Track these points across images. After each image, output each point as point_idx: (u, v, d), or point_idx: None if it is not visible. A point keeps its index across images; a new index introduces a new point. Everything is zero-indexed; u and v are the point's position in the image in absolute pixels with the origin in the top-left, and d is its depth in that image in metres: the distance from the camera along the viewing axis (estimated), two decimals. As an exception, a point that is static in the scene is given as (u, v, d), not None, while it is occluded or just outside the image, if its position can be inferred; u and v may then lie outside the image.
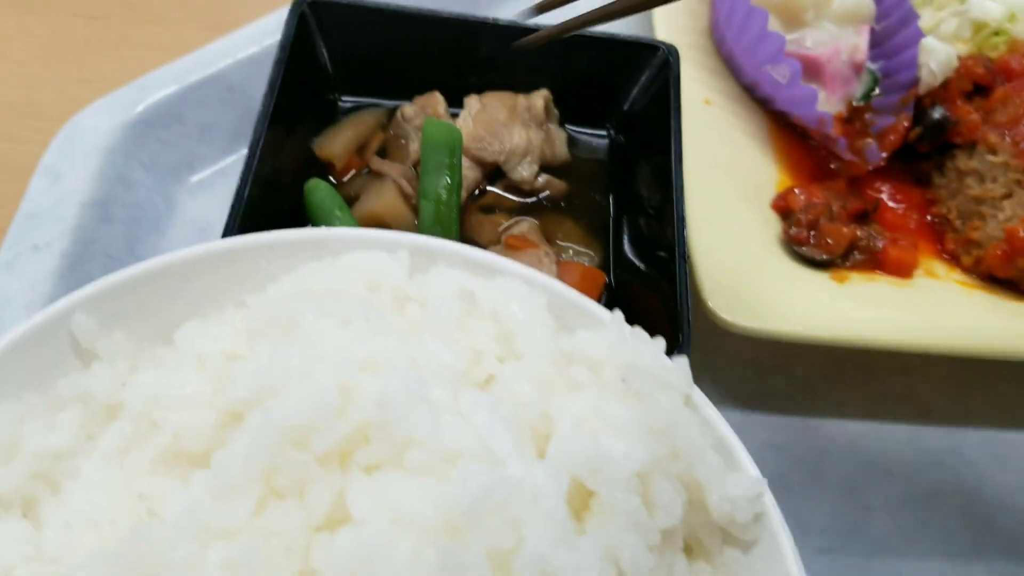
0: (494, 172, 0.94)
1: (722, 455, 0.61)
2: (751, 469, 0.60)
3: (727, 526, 0.59)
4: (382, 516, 0.48)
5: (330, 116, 0.97)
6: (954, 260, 1.00)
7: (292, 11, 0.91)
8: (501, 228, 0.93)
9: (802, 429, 0.92)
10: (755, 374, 0.95)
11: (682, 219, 0.83)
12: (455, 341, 0.59)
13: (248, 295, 0.64)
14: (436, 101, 0.94)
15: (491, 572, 0.46)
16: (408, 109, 0.95)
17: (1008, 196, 0.95)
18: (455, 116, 0.95)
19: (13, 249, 0.83)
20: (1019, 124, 0.96)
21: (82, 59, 1.08)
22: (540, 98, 0.95)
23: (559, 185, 0.95)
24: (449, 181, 0.84)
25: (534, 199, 0.95)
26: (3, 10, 1.10)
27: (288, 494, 0.50)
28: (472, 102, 0.94)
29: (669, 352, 0.63)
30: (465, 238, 0.90)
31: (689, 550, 0.61)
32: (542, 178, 0.93)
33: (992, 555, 0.88)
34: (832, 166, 1.04)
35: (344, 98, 0.99)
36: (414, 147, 0.92)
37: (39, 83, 1.07)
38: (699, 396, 0.63)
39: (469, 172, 0.90)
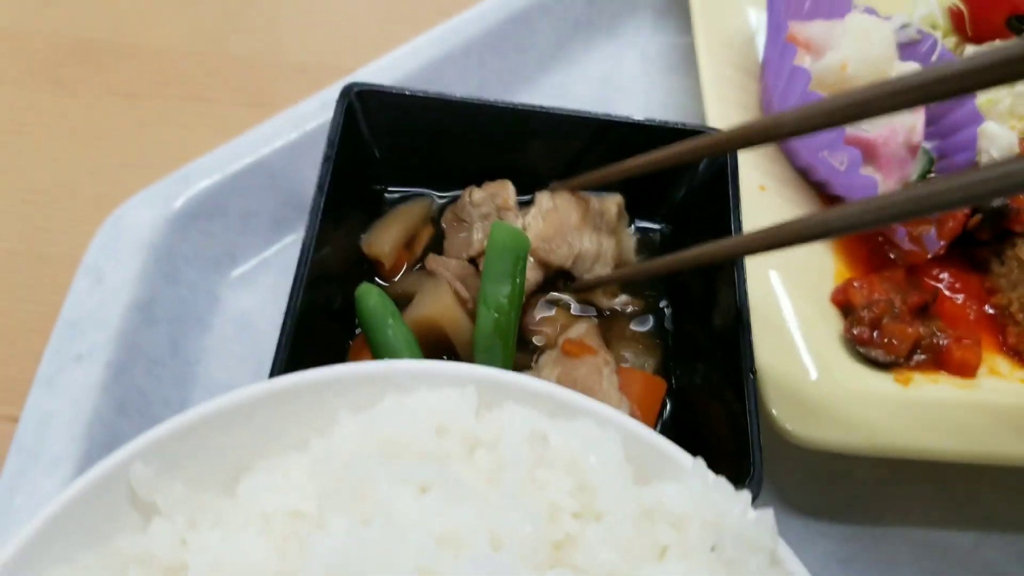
0: (556, 274, 0.91)
1: (811, 617, 0.58)
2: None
3: None
4: None
5: (377, 207, 0.94)
6: (1017, 356, 0.96)
7: (340, 101, 0.88)
8: (558, 330, 0.90)
9: (866, 540, 0.89)
10: (815, 481, 0.92)
11: (747, 327, 0.80)
12: (532, 499, 0.56)
13: (313, 437, 0.61)
14: (507, 190, 0.91)
15: None
16: (477, 194, 0.91)
17: (1074, 291, 0.92)
18: (523, 205, 0.92)
19: (54, 362, 0.80)
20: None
21: (121, 142, 1.06)
22: (614, 204, 0.92)
23: (637, 304, 0.92)
24: (511, 290, 0.81)
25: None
26: (37, 91, 1.08)
27: None
28: (543, 200, 0.90)
29: (738, 478, 0.61)
30: (520, 339, 0.87)
31: None
32: (622, 297, 0.90)
33: (1065, 673, 0.85)
34: (891, 255, 1.01)
35: (391, 188, 0.96)
36: (477, 237, 0.89)
37: (77, 169, 1.04)
38: (784, 550, 0.60)
39: (531, 273, 0.87)
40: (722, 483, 0.60)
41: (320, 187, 0.83)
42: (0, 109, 1.07)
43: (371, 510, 0.52)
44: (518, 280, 0.83)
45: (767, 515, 0.59)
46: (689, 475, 0.60)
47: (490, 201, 0.90)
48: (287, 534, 0.54)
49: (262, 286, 0.96)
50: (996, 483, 0.94)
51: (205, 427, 0.61)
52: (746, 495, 0.59)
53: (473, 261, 0.90)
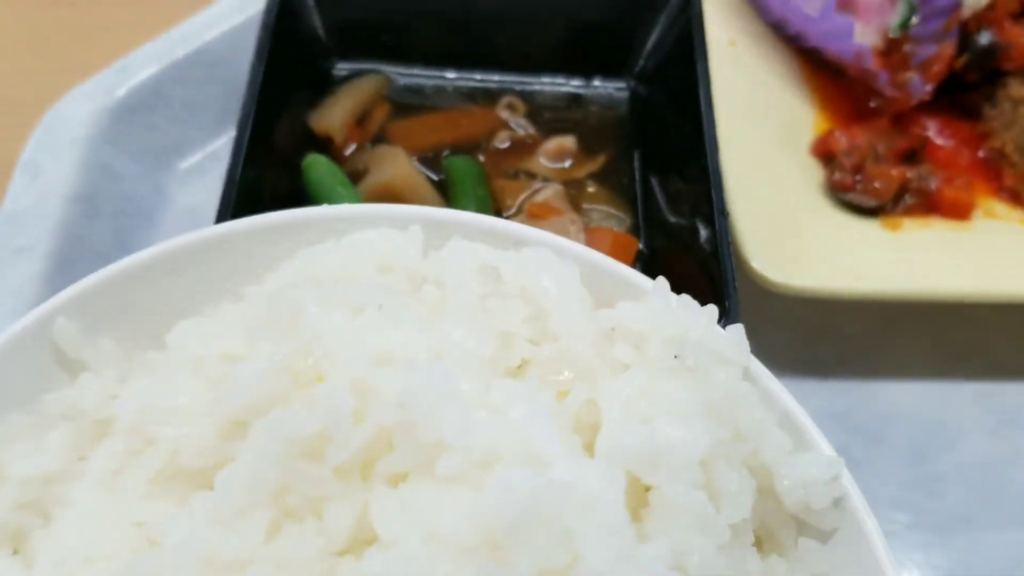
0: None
1: (790, 433, 0.54)
2: (824, 447, 0.54)
3: (801, 514, 0.53)
4: (413, 535, 0.41)
5: (326, 85, 0.89)
6: (1014, 198, 0.91)
7: (278, -29, 0.83)
8: (523, 196, 0.86)
9: (860, 394, 0.85)
10: (805, 337, 0.87)
11: (718, 172, 0.75)
12: (481, 324, 0.52)
13: (245, 287, 0.57)
14: None
15: (544, 595, 0.39)
16: None
17: (1070, 125, 0.87)
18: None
19: (-5, 255, 0.77)
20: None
21: (61, 47, 1.01)
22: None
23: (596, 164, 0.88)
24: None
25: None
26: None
27: (304, 515, 0.44)
28: None
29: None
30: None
31: (759, 543, 0.54)
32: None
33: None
34: (872, 104, 0.95)
35: (340, 65, 0.91)
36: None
37: (16, 74, 1.00)
38: (758, 367, 0.56)
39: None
40: (686, 300, 0.56)
41: (259, 58, 0.79)
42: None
43: (299, 334, 0.48)
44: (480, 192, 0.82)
45: (737, 330, 0.55)
46: (651, 295, 0.56)
47: None
48: (219, 376, 0.50)
49: (212, 180, 0.91)
50: (1002, 331, 0.89)
51: (133, 280, 0.57)
52: (712, 309, 0.55)
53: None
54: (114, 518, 0.48)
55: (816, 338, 0.88)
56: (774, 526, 0.53)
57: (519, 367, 0.53)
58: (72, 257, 0.80)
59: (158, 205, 0.89)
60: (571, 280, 0.56)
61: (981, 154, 0.95)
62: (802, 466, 0.52)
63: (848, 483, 0.53)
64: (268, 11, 0.81)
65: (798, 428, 0.54)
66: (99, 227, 0.83)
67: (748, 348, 0.55)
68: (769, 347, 0.87)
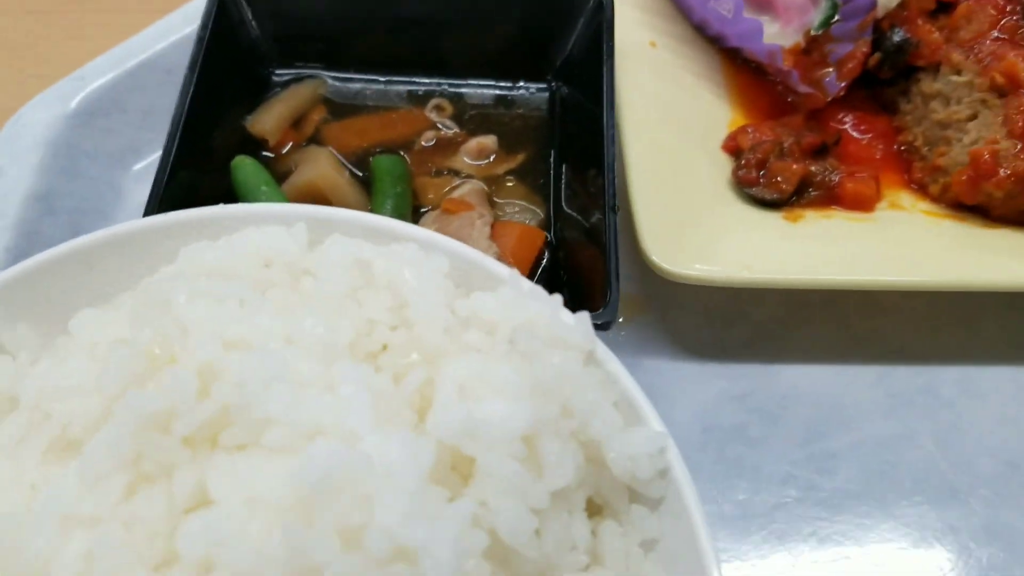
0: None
1: (626, 411, 0.59)
2: (654, 423, 0.59)
3: (631, 483, 0.58)
4: (237, 497, 0.47)
5: (264, 91, 0.96)
6: (922, 190, 0.94)
7: (215, -18, 0.89)
8: (445, 191, 0.92)
9: (762, 376, 0.89)
10: (713, 323, 0.92)
11: (611, 168, 0.80)
12: (343, 312, 0.58)
13: (143, 279, 0.64)
14: None
15: (341, 549, 0.45)
16: None
17: (973, 118, 0.89)
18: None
19: (-46, 248, 0.84)
20: (984, 40, 0.90)
21: (28, 54, 1.09)
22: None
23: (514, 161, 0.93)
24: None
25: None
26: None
27: (156, 479, 0.50)
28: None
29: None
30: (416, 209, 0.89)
31: (599, 510, 0.60)
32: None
33: (969, 498, 0.84)
34: (790, 100, 0.99)
35: (278, 71, 0.98)
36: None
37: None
38: (603, 352, 0.61)
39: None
40: (537, 290, 0.61)
41: (192, 66, 0.86)
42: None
43: (167, 322, 0.55)
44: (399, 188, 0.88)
45: (582, 318, 0.60)
46: (502, 286, 0.61)
47: None
48: (106, 359, 0.57)
49: (166, 179, 0.98)
50: (901, 318, 0.93)
51: (45, 274, 0.64)
52: (558, 298, 0.60)
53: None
54: (11, 480, 0.55)
55: (724, 324, 0.92)
56: (609, 495, 0.59)
57: (383, 350, 0.59)
58: (28, 251, 0.86)
59: (112, 203, 0.96)
60: (432, 271, 0.62)
61: (896, 148, 0.99)
62: (630, 440, 0.57)
63: (673, 456, 0.58)
64: (204, 23, 0.87)
65: (633, 406, 0.59)
66: (55, 223, 0.91)
67: (593, 333, 0.60)
68: (679, 331, 0.92)
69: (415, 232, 0.65)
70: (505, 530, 0.50)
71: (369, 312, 0.60)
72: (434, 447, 0.50)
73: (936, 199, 0.93)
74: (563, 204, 0.89)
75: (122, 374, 0.53)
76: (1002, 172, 0.83)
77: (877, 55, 0.97)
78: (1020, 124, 0.83)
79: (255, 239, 0.64)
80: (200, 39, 0.87)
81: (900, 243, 0.88)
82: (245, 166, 0.84)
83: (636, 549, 0.58)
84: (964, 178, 0.87)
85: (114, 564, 0.47)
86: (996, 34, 0.88)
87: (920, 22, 0.96)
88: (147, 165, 1.00)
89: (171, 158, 0.80)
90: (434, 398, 0.54)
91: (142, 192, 0.97)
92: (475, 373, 0.55)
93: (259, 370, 0.50)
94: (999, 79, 0.88)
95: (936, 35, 0.93)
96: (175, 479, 0.50)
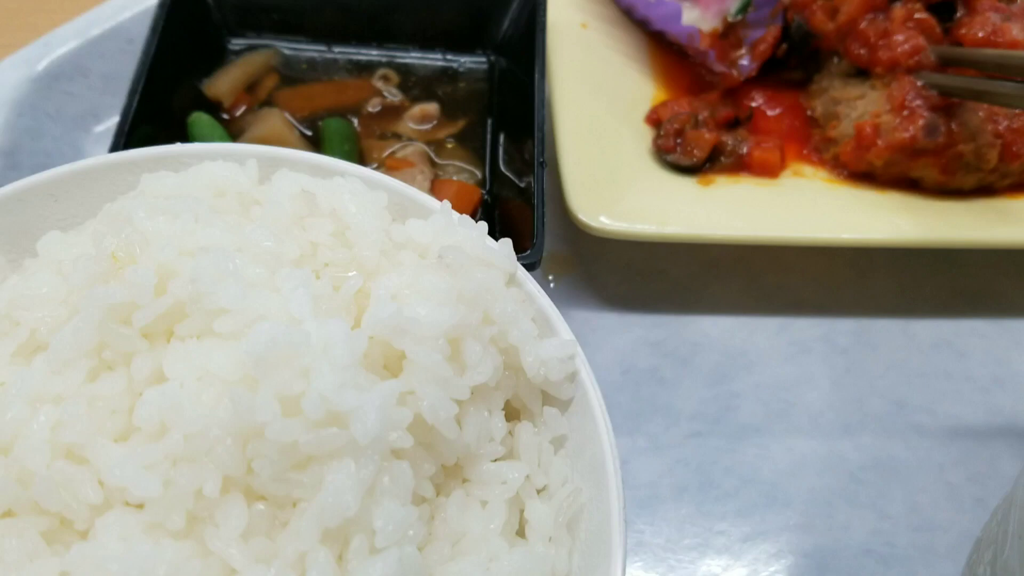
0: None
1: (541, 325, 0.67)
2: (564, 333, 0.66)
3: (544, 386, 0.65)
4: (191, 375, 0.54)
5: (222, 58, 1.03)
6: (818, 157, 1.04)
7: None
8: (389, 152, 0.99)
9: (676, 326, 0.98)
10: (632, 277, 1.01)
11: (541, 128, 0.89)
12: (292, 236, 0.65)
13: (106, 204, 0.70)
14: None
15: (281, 412, 0.52)
16: None
17: (862, 97, 1.00)
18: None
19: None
20: (856, 24, 1.00)
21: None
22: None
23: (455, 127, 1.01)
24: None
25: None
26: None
27: (117, 365, 0.57)
28: None
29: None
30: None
31: (516, 414, 0.67)
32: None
33: (859, 433, 0.93)
34: (708, 79, 1.09)
35: (235, 40, 1.04)
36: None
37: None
38: (523, 274, 0.69)
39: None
40: (465, 219, 0.69)
41: (153, 31, 0.92)
42: None
43: (128, 231, 0.61)
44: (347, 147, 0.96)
45: (505, 243, 0.68)
46: (435, 215, 0.69)
47: None
48: (70, 271, 0.63)
49: (124, 140, 1.04)
50: (802, 274, 1.02)
51: (14, 204, 0.70)
52: (483, 225, 0.68)
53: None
54: (-17, 379, 0.61)
55: (644, 279, 1.01)
56: (525, 397, 0.66)
57: (325, 267, 0.66)
58: (-9, 202, 0.92)
59: (73, 160, 1.01)
60: (372, 202, 0.69)
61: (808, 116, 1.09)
62: (543, 347, 0.64)
63: (581, 362, 0.65)
64: (164, -6, 0.94)
65: (548, 321, 0.67)
66: (17, 177, 0.95)
67: (514, 257, 0.68)
68: (602, 285, 1.00)
69: (358, 170, 0.72)
70: (429, 412, 0.57)
71: (313, 236, 0.66)
72: (367, 339, 0.57)
73: (830, 167, 1.03)
74: (500, 166, 0.97)
75: (87, 275, 0.59)
76: (880, 143, 0.94)
77: (784, 46, 1.07)
78: (899, 100, 0.93)
79: (210, 170, 0.70)
80: (162, 4, 0.93)
81: (801, 205, 0.97)
82: (201, 122, 0.91)
83: (547, 445, 0.65)
84: (849, 148, 0.98)
85: (78, 432, 0.53)
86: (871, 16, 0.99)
87: (815, 11, 1.05)
88: (107, 128, 1.05)
89: (131, 114, 0.86)
90: (369, 302, 0.61)
91: (101, 152, 1.04)
92: (406, 283, 0.63)
93: (212, 268, 0.57)
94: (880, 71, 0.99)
95: (830, 25, 1.03)
96: (133, 365, 0.56)
